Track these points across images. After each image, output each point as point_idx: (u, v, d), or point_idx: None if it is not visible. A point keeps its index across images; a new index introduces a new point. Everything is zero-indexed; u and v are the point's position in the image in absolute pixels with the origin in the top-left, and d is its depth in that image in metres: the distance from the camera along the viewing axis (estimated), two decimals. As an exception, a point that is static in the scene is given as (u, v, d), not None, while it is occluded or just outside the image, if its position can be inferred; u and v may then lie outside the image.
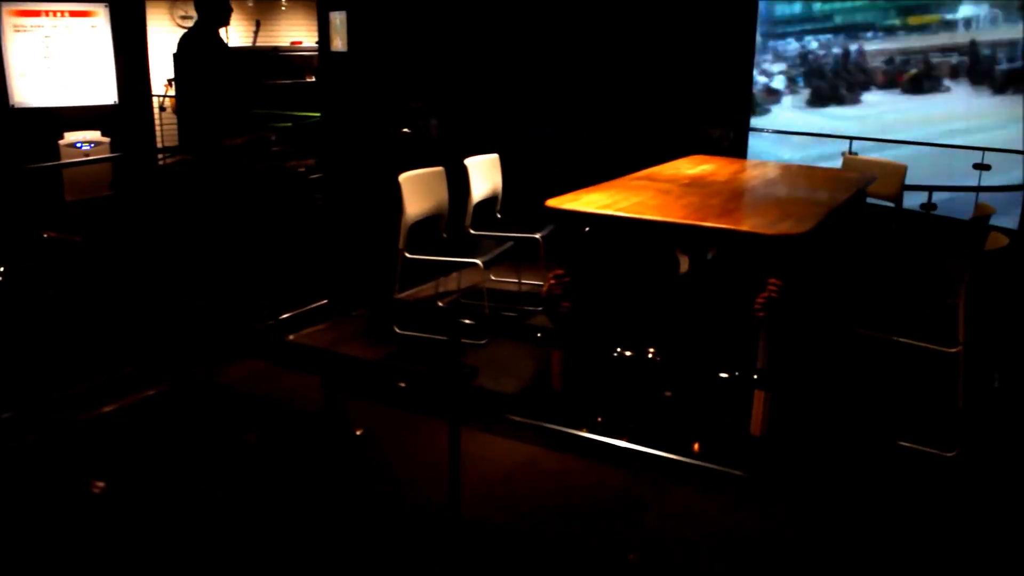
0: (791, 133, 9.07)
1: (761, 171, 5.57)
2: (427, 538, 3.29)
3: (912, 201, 6.03)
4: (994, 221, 4.25)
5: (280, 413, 4.32)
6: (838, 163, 6.44)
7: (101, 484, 3.58)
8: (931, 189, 5.86)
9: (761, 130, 9.16)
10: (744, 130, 8.66)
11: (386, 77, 8.11)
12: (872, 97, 9.05)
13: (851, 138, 7.46)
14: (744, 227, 3.93)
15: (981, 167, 6.32)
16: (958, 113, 8.19)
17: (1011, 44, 8.10)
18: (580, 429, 3.74)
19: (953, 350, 3.80)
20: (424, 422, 4.12)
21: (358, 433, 3.90)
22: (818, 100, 9.17)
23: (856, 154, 6.71)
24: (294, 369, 4.73)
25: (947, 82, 8.46)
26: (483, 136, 7.23)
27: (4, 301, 4.95)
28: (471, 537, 3.30)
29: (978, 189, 6.13)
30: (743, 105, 8.69)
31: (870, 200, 5.66)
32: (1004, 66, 8.12)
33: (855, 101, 9.11)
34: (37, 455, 3.84)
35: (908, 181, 5.64)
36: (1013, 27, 8.09)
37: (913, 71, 8.71)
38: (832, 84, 9.22)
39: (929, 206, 5.89)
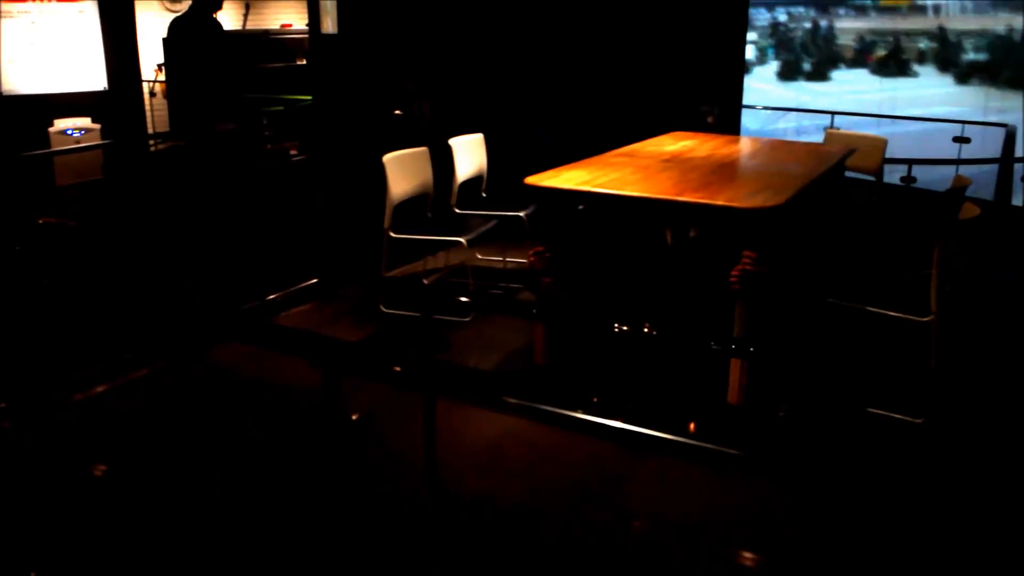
0: (782, 109, 9.08)
1: (741, 146, 5.62)
2: (411, 512, 3.36)
3: (894, 177, 6.08)
4: (975, 193, 4.30)
5: (272, 395, 4.39)
6: (817, 137, 6.47)
7: (103, 468, 3.66)
8: (911, 162, 5.91)
9: (752, 107, 9.17)
10: (737, 107, 8.66)
11: (378, 59, 8.13)
12: (841, 75, 9.08)
13: (834, 112, 7.49)
14: (719, 201, 3.98)
15: (961, 140, 6.36)
16: (925, 98, 8.20)
17: (979, 34, 8.12)
18: (561, 403, 3.81)
19: (925, 319, 3.87)
20: (410, 398, 4.18)
21: (354, 418, 3.98)
22: (788, 73, 9.18)
23: (838, 128, 6.75)
24: (281, 352, 4.80)
25: (914, 67, 8.47)
26: (472, 116, 7.27)
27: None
28: (451, 509, 3.38)
29: (957, 162, 6.17)
30: (734, 82, 8.68)
31: (851, 174, 5.70)
32: (970, 56, 8.14)
33: (824, 77, 9.13)
34: (36, 438, 3.91)
35: (889, 156, 5.68)
36: (982, 17, 8.12)
37: (882, 53, 8.73)
38: (802, 59, 9.25)
39: (909, 179, 5.94)
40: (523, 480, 3.57)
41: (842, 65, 9.16)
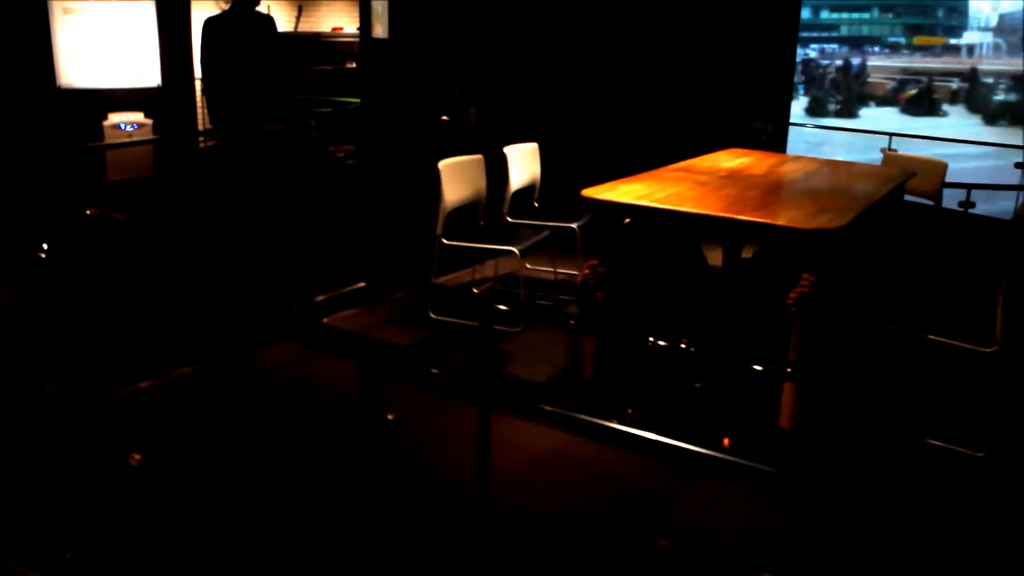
0: (833, 129, 8.99)
1: (799, 165, 5.55)
2: (455, 521, 3.34)
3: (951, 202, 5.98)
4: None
5: (314, 395, 4.38)
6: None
7: (138, 457, 3.67)
8: (970, 187, 5.81)
9: (802, 125, 9.08)
10: (784, 125, 8.58)
11: (426, 64, 8.15)
12: (869, 112, 8.95)
13: (890, 134, 7.39)
14: (780, 221, 3.92)
15: (1023, 166, 6.24)
16: (953, 137, 8.06)
17: (1011, 75, 8.03)
18: (610, 419, 3.78)
19: (989, 350, 3.78)
20: (456, 406, 4.16)
21: (390, 418, 3.96)
22: (816, 110, 9.08)
23: (895, 151, 6.65)
24: (329, 352, 4.80)
25: (944, 106, 8.36)
26: (523, 125, 7.25)
27: (47, 276, 5.06)
28: (498, 521, 3.35)
29: (1018, 188, 6.06)
30: (784, 100, 8.60)
31: (909, 198, 5.62)
32: (1000, 97, 8.04)
33: (851, 114, 9.01)
34: (76, 428, 3.93)
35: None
36: (1015, 59, 8.05)
37: (913, 91, 8.62)
38: (831, 96, 9.17)
39: (967, 204, 5.84)
40: (566, 495, 3.53)
41: (871, 103, 9.09)
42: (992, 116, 8.24)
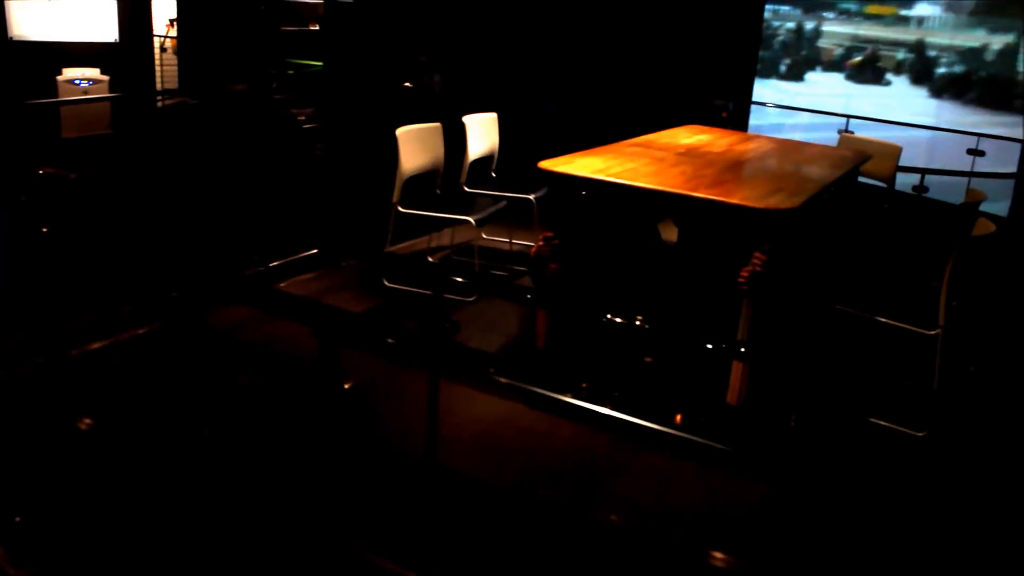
0: (793, 108, 9.04)
1: (757, 144, 5.58)
2: (403, 486, 3.36)
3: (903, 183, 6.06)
4: (984, 208, 4.28)
5: (268, 359, 4.36)
6: (805, 136, 6.45)
7: (88, 421, 3.64)
8: (924, 172, 5.89)
9: (764, 104, 9.12)
10: (746, 103, 8.63)
11: (391, 29, 8.07)
12: (815, 76, 9.01)
13: (847, 116, 7.46)
14: (734, 199, 3.95)
15: (975, 153, 6.34)
16: (895, 107, 8.14)
17: (958, 51, 8.09)
18: (561, 390, 3.80)
19: (932, 332, 3.85)
20: (408, 374, 4.16)
21: (347, 387, 3.96)
22: (762, 71, 9.09)
23: (852, 132, 6.71)
24: (282, 317, 4.78)
25: (889, 76, 8.42)
26: (484, 93, 7.22)
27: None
28: (446, 487, 3.37)
29: (971, 174, 6.15)
30: (746, 79, 8.63)
31: (863, 180, 5.68)
32: (943, 70, 8.10)
33: (798, 78, 9.07)
34: (28, 389, 3.88)
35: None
36: (962, 33, 8.10)
37: (859, 58, 8.68)
38: (780, 58, 9.20)
39: (921, 188, 5.92)
40: (516, 464, 3.56)
41: (818, 67, 9.13)
42: (936, 89, 8.32)
